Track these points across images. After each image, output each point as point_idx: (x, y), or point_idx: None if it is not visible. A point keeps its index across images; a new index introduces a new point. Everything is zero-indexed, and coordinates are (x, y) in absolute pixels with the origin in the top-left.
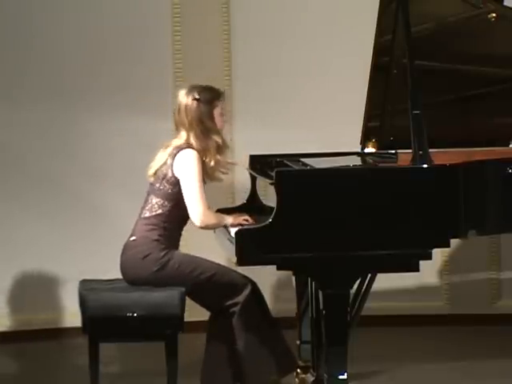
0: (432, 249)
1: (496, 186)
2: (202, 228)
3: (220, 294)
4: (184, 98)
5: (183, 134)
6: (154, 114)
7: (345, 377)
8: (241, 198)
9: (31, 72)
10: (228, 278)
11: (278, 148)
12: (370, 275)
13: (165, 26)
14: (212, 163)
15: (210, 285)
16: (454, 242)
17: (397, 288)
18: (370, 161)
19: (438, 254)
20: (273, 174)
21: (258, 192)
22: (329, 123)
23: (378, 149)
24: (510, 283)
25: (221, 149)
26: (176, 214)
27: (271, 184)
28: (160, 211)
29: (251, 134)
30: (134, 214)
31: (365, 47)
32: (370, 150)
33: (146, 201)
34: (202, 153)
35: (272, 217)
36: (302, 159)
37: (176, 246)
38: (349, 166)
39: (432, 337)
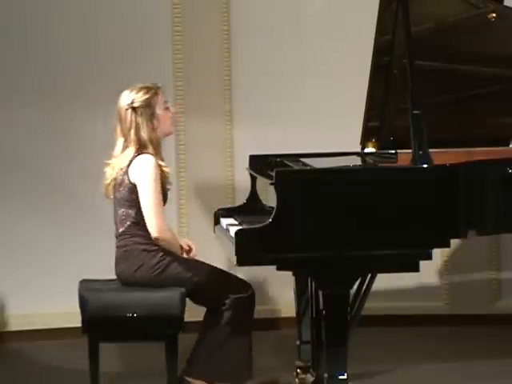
0: (432, 249)
1: (496, 186)
2: (157, 241)
3: (219, 295)
4: (122, 107)
5: (130, 144)
6: None
7: (345, 377)
8: (241, 198)
9: (28, 71)
10: (230, 278)
11: (277, 148)
12: (369, 275)
13: (165, 26)
14: (165, 168)
15: (209, 286)
16: (454, 242)
17: (397, 288)
18: (370, 161)
19: (438, 254)
20: (273, 174)
21: (258, 192)
22: (329, 123)
23: (378, 149)
24: (510, 283)
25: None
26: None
27: (271, 184)
28: (129, 221)
29: (251, 134)
30: None
31: (365, 47)
32: (370, 149)
33: (115, 215)
34: (158, 157)
35: (272, 217)
36: (302, 159)
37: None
38: (349, 166)
39: (432, 337)
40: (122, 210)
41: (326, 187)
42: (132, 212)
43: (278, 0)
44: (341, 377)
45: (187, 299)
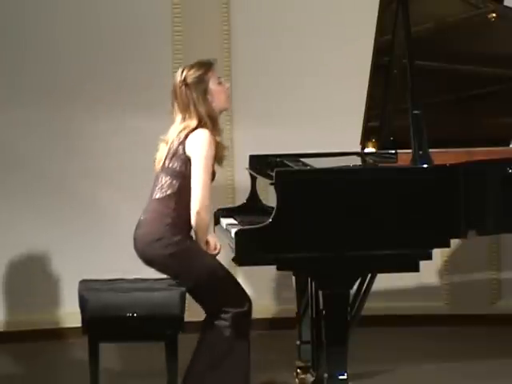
0: (432, 249)
1: (496, 186)
2: (195, 217)
3: (220, 299)
4: (176, 84)
5: (190, 119)
6: (153, 114)
7: (345, 377)
8: (241, 198)
9: (28, 71)
10: (234, 287)
11: (278, 148)
12: (369, 275)
13: (165, 26)
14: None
15: (214, 285)
16: (454, 242)
17: (397, 288)
18: (370, 161)
19: (438, 254)
20: (273, 174)
21: (258, 192)
22: (329, 123)
23: (378, 149)
24: (510, 283)
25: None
26: (185, 193)
27: (271, 184)
28: (170, 191)
29: (251, 134)
30: (130, 213)
31: (365, 47)
32: (370, 150)
33: (156, 180)
34: (215, 133)
35: (272, 217)
36: (302, 159)
37: (188, 229)
38: (349, 166)
39: (432, 337)
40: (168, 178)
41: (326, 187)
42: (176, 183)
43: (277, 0)
44: (341, 377)
45: (187, 297)
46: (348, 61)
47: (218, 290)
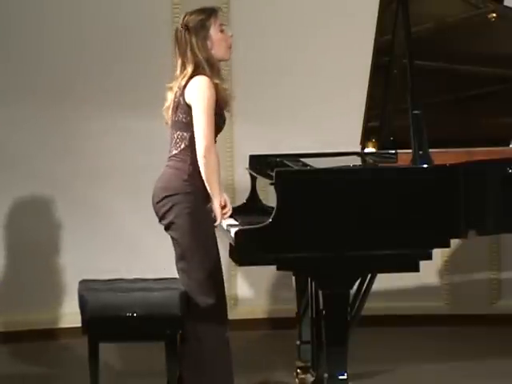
0: (432, 249)
1: (496, 186)
2: (202, 162)
3: (204, 281)
4: (178, 28)
5: (188, 65)
6: (153, 114)
7: (345, 377)
8: (241, 198)
9: (22, 71)
10: (220, 286)
11: (278, 148)
12: (370, 275)
13: (165, 26)
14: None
15: (206, 267)
16: (454, 242)
17: (397, 288)
18: (370, 161)
19: (438, 254)
20: (273, 174)
21: (258, 192)
22: (329, 123)
23: (378, 149)
24: (510, 283)
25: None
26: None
27: (271, 184)
28: (183, 145)
29: (251, 134)
30: (128, 212)
31: (365, 47)
32: (370, 149)
33: (170, 137)
34: (215, 78)
35: (272, 217)
36: (302, 159)
37: (204, 188)
38: (349, 165)
39: (432, 337)
40: (178, 132)
41: (326, 187)
42: (187, 135)
43: (277, 1)
44: (341, 377)
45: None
46: (348, 61)
47: (207, 273)
